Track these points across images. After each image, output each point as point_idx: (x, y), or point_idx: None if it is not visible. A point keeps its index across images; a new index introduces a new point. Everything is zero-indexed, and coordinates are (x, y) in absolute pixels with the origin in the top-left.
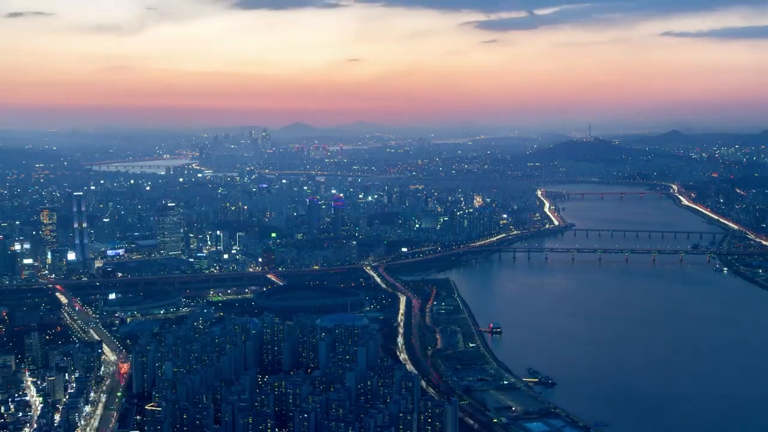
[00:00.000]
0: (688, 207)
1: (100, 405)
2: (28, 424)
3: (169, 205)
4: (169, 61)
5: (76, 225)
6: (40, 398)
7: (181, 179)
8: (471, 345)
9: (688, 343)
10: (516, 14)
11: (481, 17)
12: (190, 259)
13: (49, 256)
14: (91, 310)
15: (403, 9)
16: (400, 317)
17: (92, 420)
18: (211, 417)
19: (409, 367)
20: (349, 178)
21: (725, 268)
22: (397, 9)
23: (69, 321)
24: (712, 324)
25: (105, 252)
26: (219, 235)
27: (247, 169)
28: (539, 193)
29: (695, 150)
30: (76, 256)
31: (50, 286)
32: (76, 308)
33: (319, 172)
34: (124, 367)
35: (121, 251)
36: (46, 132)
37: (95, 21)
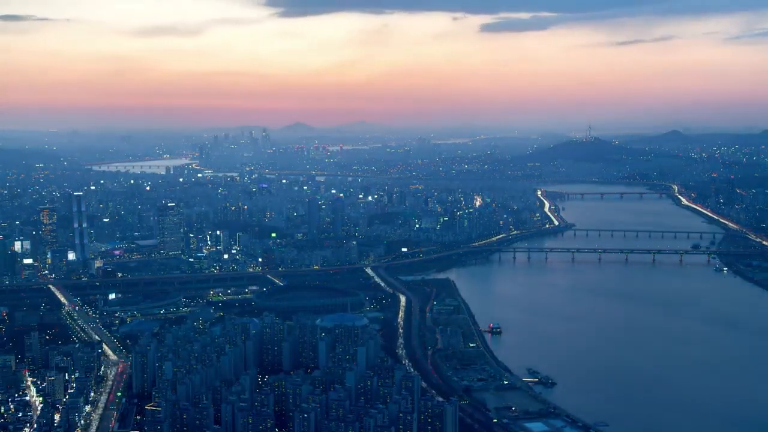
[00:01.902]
0: (688, 207)
1: (100, 405)
2: (28, 424)
3: (169, 205)
4: (169, 63)
5: (76, 225)
6: (40, 398)
7: (181, 179)
8: (471, 345)
9: (689, 343)
10: (516, 16)
11: (482, 19)
12: (190, 259)
13: (49, 256)
14: (91, 310)
15: (404, 11)
16: (400, 317)
17: (92, 420)
18: (211, 417)
19: (409, 367)
20: (349, 178)
21: (725, 268)
22: (398, 12)
23: (69, 321)
24: (712, 324)
25: (105, 252)
26: (219, 235)
27: (247, 169)
28: (539, 193)
29: (695, 150)
30: (76, 256)
31: (50, 286)
32: (76, 308)
33: (319, 172)
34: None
35: (118, 251)
36: (46, 132)
37: (99, 23)
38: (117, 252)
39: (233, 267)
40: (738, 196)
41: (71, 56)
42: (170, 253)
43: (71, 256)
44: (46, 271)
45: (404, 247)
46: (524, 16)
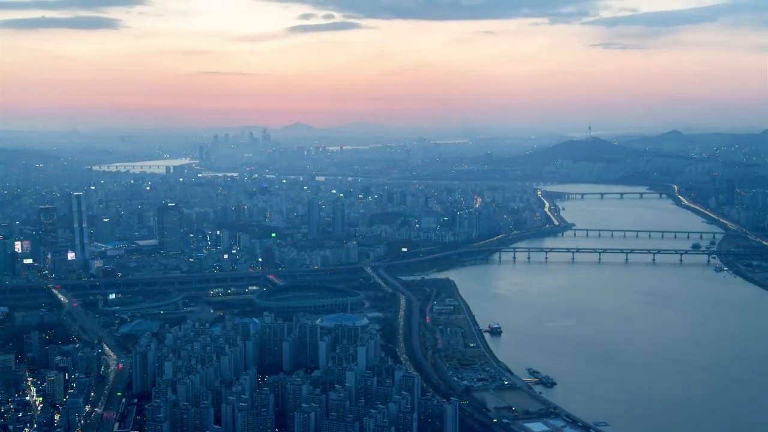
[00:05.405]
0: (688, 207)
1: (100, 405)
2: (28, 424)
3: (169, 205)
4: (170, 64)
5: (76, 225)
6: (40, 398)
7: (181, 179)
8: (471, 345)
9: (688, 342)
10: (516, 18)
11: (482, 20)
12: (190, 259)
13: (49, 256)
14: (91, 310)
15: (405, 18)
16: (401, 317)
17: (92, 420)
18: (211, 417)
19: (409, 367)
20: (349, 178)
21: (725, 268)
22: (399, 17)
23: (69, 321)
24: (712, 322)
25: (105, 252)
26: (219, 235)
27: (247, 169)
28: (539, 193)
29: (695, 150)
30: (76, 256)
31: (50, 286)
32: (76, 308)
33: (319, 172)
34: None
35: (118, 252)
36: (46, 132)
37: (97, 21)
38: (117, 252)
39: (233, 267)
40: (738, 196)
41: (76, 58)
42: (170, 253)
43: (71, 256)
44: (46, 271)
45: (404, 247)
46: (523, 17)
